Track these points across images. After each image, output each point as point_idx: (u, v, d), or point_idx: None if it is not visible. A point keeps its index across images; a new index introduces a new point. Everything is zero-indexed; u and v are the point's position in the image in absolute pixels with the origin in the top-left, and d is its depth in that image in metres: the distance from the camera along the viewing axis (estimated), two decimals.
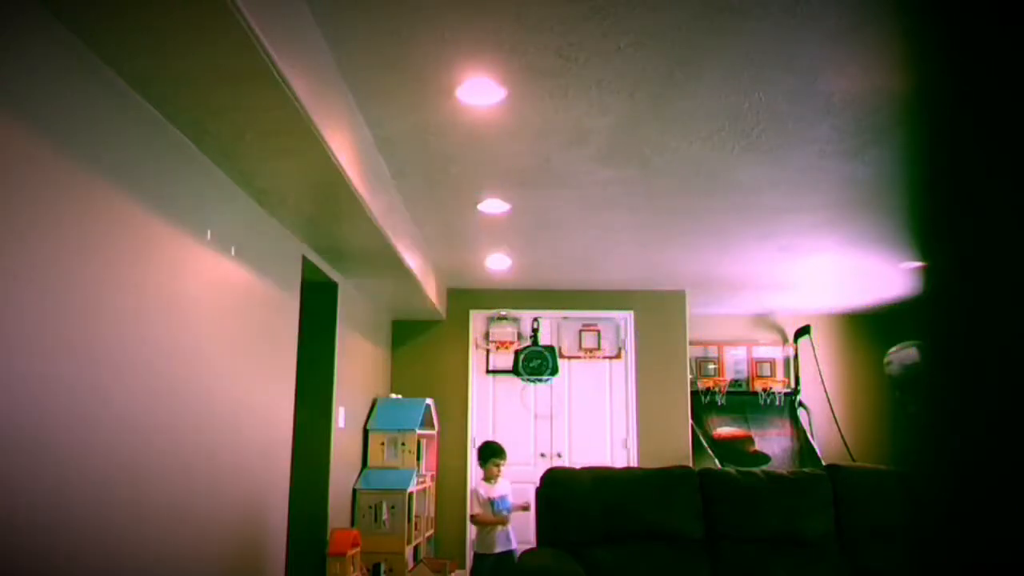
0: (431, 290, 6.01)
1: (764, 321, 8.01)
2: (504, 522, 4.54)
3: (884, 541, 3.62)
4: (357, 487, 5.61)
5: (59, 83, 2.06)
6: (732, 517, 3.64)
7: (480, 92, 3.08)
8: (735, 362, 7.81)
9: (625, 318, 7.10)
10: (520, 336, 7.12)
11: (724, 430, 7.51)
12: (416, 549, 5.91)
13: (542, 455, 6.90)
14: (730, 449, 7.34)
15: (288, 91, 2.38)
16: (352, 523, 5.48)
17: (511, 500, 4.61)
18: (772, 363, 7.82)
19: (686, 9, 2.49)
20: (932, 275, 0.46)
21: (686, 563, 3.52)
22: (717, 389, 7.69)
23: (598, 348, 7.09)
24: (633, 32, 2.63)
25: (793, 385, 7.76)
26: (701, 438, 7.30)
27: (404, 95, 3.15)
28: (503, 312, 7.12)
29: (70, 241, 2.13)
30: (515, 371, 7.04)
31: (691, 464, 6.20)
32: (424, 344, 7.07)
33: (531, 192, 4.35)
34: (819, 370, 7.76)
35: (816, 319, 7.90)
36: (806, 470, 4.06)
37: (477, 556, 4.63)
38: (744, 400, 7.69)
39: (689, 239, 5.33)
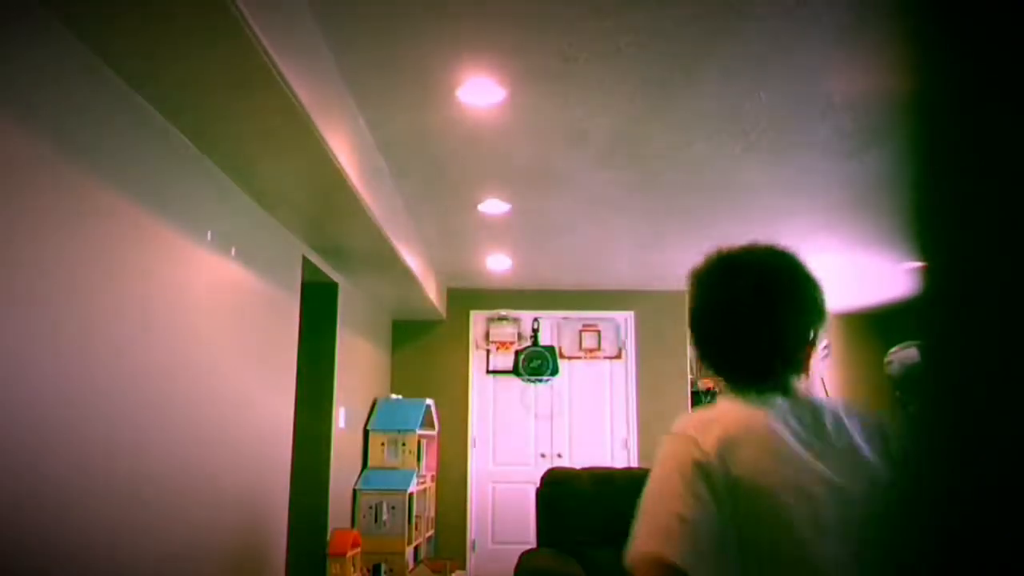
0: (431, 290, 6.01)
1: None
2: None
3: None
4: (357, 487, 5.61)
5: (59, 83, 2.06)
6: None
7: (480, 92, 3.08)
8: None
9: (625, 318, 7.10)
10: (520, 336, 7.11)
11: None
12: (416, 550, 5.91)
13: (542, 455, 6.90)
14: None
15: (288, 92, 2.38)
16: (352, 523, 5.48)
17: None
18: None
19: (686, 9, 2.49)
20: (932, 275, 0.46)
21: None
22: (717, 389, 7.68)
23: (598, 348, 7.09)
24: (633, 32, 2.63)
25: None
26: None
27: (404, 95, 3.15)
28: (503, 312, 7.12)
29: (70, 241, 2.13)
30: (515, 371, 7.04)
31: None
32: (424, 344, 7.06)
33: (531, 192, 4.35)
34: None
35: None
36: None
37: None
38: None
39: (689, 239, 5.32)
